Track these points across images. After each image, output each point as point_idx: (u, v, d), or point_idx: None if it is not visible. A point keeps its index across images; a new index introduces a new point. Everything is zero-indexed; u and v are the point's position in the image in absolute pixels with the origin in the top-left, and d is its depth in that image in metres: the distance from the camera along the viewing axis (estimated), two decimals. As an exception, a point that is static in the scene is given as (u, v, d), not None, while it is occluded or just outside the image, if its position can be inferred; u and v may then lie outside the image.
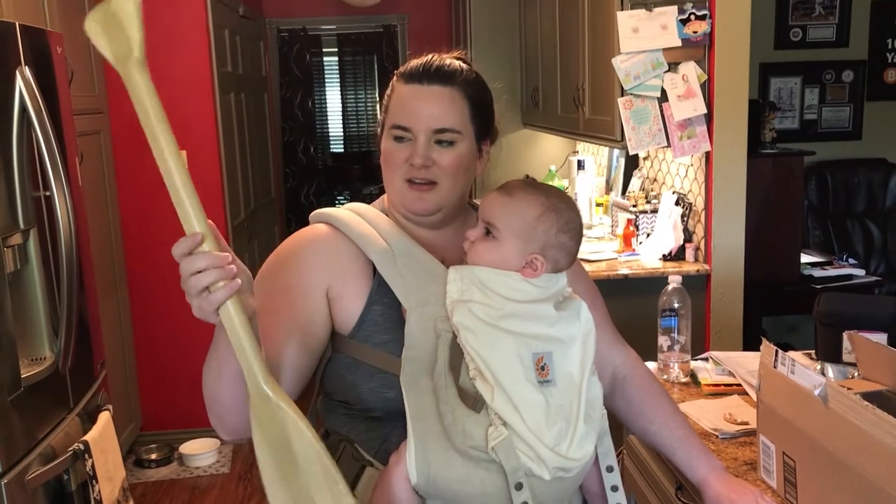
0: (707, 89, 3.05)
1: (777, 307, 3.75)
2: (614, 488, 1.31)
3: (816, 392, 1.25)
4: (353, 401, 1.29)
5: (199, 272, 1.02)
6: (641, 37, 3.01)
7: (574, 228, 1.30)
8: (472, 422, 1.17)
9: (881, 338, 1.72)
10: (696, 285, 3.11)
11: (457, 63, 1.34)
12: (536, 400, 1.18)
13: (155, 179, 3.64)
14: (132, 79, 1.03)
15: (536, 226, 1.26)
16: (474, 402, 1.18)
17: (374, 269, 1.29)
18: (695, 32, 3.00)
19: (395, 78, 1.36)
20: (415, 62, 1.34)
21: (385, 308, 1.28)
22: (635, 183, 3.85)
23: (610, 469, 1.31)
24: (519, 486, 1.16)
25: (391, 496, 1.17)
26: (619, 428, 1.56)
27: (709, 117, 3.06)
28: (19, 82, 2.28)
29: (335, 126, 7.16)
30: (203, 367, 1.17)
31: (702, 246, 3.21)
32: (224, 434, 1.22)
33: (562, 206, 1.29)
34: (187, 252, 1.02)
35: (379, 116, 1.40)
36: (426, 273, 1.28)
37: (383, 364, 1.25)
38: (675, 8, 3.00)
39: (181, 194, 1.04)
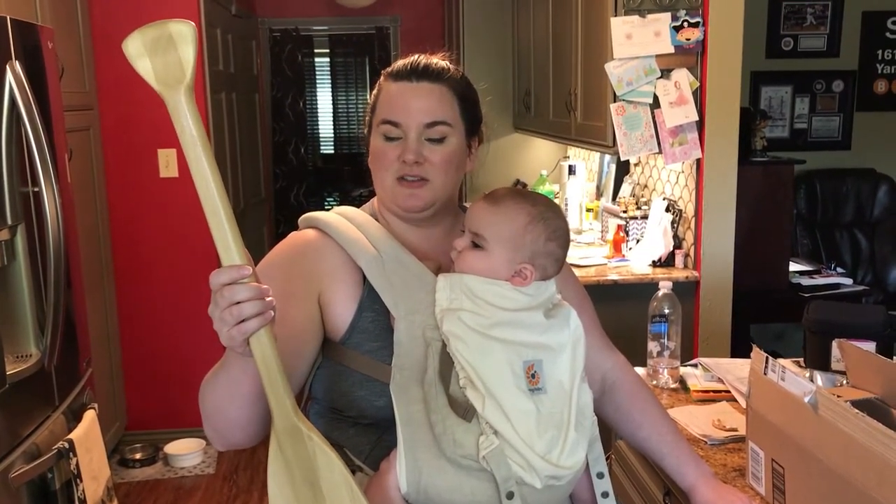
0: (699, 96, 3.06)
1: (765, 315, 3.76)
2: (605, 494, 1.31)
3: (806, 399, 1.26)
4: (343, 407, 1.29)
5: (239, 303, 1.00)
6: (634, 43, 3.02)
7: (562, 236, 1.30)
8: (462, 431, 1.16)
9: (870, 346, 1.73)
10: (685, 292, 3.11)
11: (444, 62, 1.35)
12: (527, 408, 1.18)
13: (144, 177, 3.61)
14: (179, 104, 1.00)
15: (524, 235, 1.26)
16: (465, 410, 1.18)
17: (364, 276, 1.29)
18: (688, 40, 3.01)
19: (382, 78, 1.37)
20: (402, 61, 1.35)
21: (375, 315, 1.27)
22: (626, 189, 3.85)
23: (600, 475, 1.31)
24: (510, 495, 1.15)
25: (383, 502, 1.16)
26: (607, 433, 1.56)
27: (700, 124, 3.07)
28: (9, 77, 2.27)
29: (326, 127, 7.14)
30: (205, 383, 1.16)
31: (691, 253, 3.22)
32: (219, 445, 1.21)
33: (549, 215, 1.29)
34: (229, 282, 1.01)
35: (366, 117, 1.40)
36: (415, 281, 1.27)
37: (373, 371, 1.25)
38: (668, 15, 3.01)
39: (224, 223, 1.02)
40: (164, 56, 1.01)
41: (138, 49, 1.01)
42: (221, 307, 1.01)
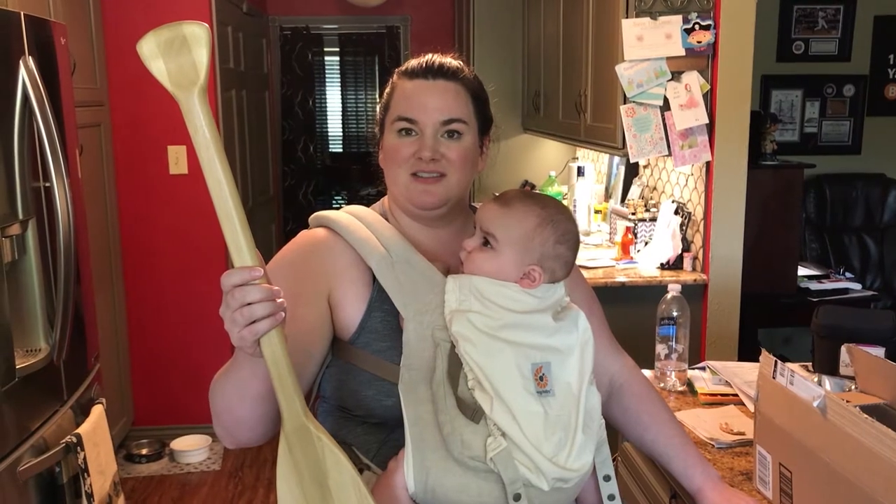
0: (709, 99, 3.06)
1: (773, 319, 3.75)
2: (611, 497, 1.31)
3: (815, 404, 1.25)
4: (352, 406, 1.29)
5: (250, 304, 1.01)
6: (645, 45, 3.02)
7: (571, 239, 1.30)
8: (470, 432, 1.16)
9: (879, 352, 1.72)
10: (693, 295, 3.10)
11: (457, 62, 1.36)
12: (535, 410, 1.18)
13: (153, 174, 3.63)
14: (193, 106, 1.01)
15: (534, 237, 1.26)
16: (473, 412, 1.18)
17: (374, 275, 1.29)
18: (699, 42, 3.01)
19: (395, 76, 1.37)
20: (415, 60, 1.36)
21: (385, 315, 1.28)
22: (635, 191, 3.85)
23: (607, 478, 1.31)
24: (517, 497, 1.15)
25: (390, 501, 1.17)
26: (613, 435, 1.56)
27: (710, 127, 3.07)
28: (22, 72, 2.27)
29: (335, 126, 7.15)
30: (215, 382, 1.17)
31: (700, 255, 3.21)
32: (228, 444, 1.21)
33: (559, 217, 1.28)
34: (240, 283, 1.01)
35: (377, 116, 1.40)
36: (424, 281, 1.27)
37: (382, 371, 1.25)
38: (679, 17, 3.01)
39: (236, 225, 1.03)
40: (178, 57, 1.01)
41: (152, 50, 1.01)
42: (233, 308, 1.01)
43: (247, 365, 1.09)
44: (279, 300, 1.03)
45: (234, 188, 1.03)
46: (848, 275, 3.93)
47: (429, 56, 1.36)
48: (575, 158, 4.84)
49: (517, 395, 1.17)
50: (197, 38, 1.01)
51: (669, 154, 3.09)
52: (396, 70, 1.38)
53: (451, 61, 1.35)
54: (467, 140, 1.32)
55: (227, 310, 1.02)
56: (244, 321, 1.01)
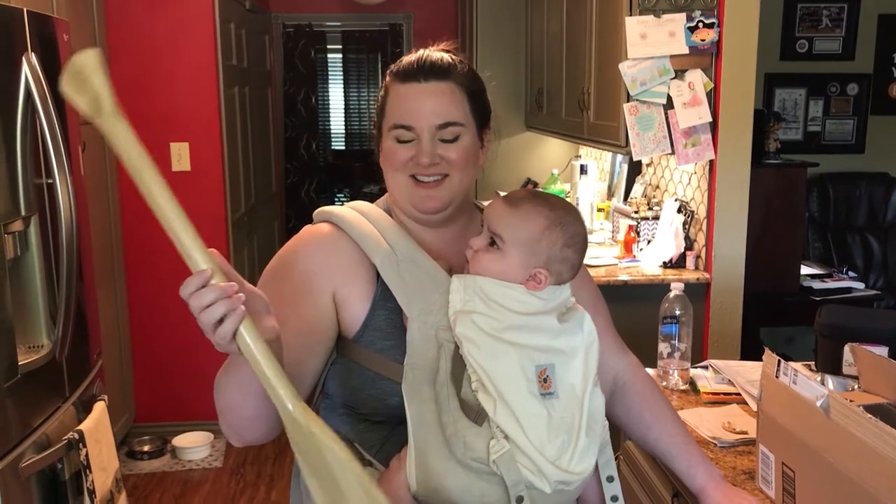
0: (713, 98, 3.05)
1: (776, 318, 3.75)
2: (614, 498, 1.31)
3: (818, 403, 1.25)
4: (355, 404, 1.29)
5: (209, 306, 1.00)
6: (649, 43, 3.01)
7: (579, 242, 1.29)
8: (473, 434, 1.16)
9: (882, 351, 1.71)
10: (696, 293, 3.10)
11: (449, 57, 1.32)
12: (538, 412, 1.17)
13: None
14: (110, 128, 1.02)
15: (541, 239, 1.25)
16: (476, 414, 1.17)
17: (378, 273, 1.28)
18: (702, 40, 3.00)
19: (388, 78, 1.34)
20: (407, 60, 1.32)
21: (389, 313, 1.27)
22: (637, 189, 3.85)
23: (610, 479, 1.31)
24: (520, 500, 1.15)
25: (392, 500, 1.16)
26: (616, 433, 1.56)
27: (714, 126, 3.06)
28: (25, 69, 2.27)
29: (337, 123, 7.14)
30: (218, 380, 1.16)
31: (702, 254, 3.20)
32: (235, 441, 1.21)
33: (567, 220, 1.27)
34: (195, 290, 1.00)
35: (374, 118, 1.38)
36: (429, 280, 1.26)
37: (386, 370, 1.24)
38: (683, 15, 3.00)
39: (180, 235, 1.03)
40: (85, 89, 1.02)
41: (69, 91, 1.03)
42: (196, 314, 1.01)
43: (243, 364, 1.09)
44: (236, 295, 1.00)
45: (170, 200, 1.03)
46: (851, 274, 3.93)
47: (420, 53, 1.32)
48: (578, 156, 4.83)
49: (520, 398, 1.17)
50: (89, 67, 1.02)
51: (672, 152, 3.09)
52: (389, 70, 1.34)
53: (443, 57, 1.31)
54: (466, 140, 1.30)
55: (196, 319, 1.02)
56: (208, 326, 1.00)
